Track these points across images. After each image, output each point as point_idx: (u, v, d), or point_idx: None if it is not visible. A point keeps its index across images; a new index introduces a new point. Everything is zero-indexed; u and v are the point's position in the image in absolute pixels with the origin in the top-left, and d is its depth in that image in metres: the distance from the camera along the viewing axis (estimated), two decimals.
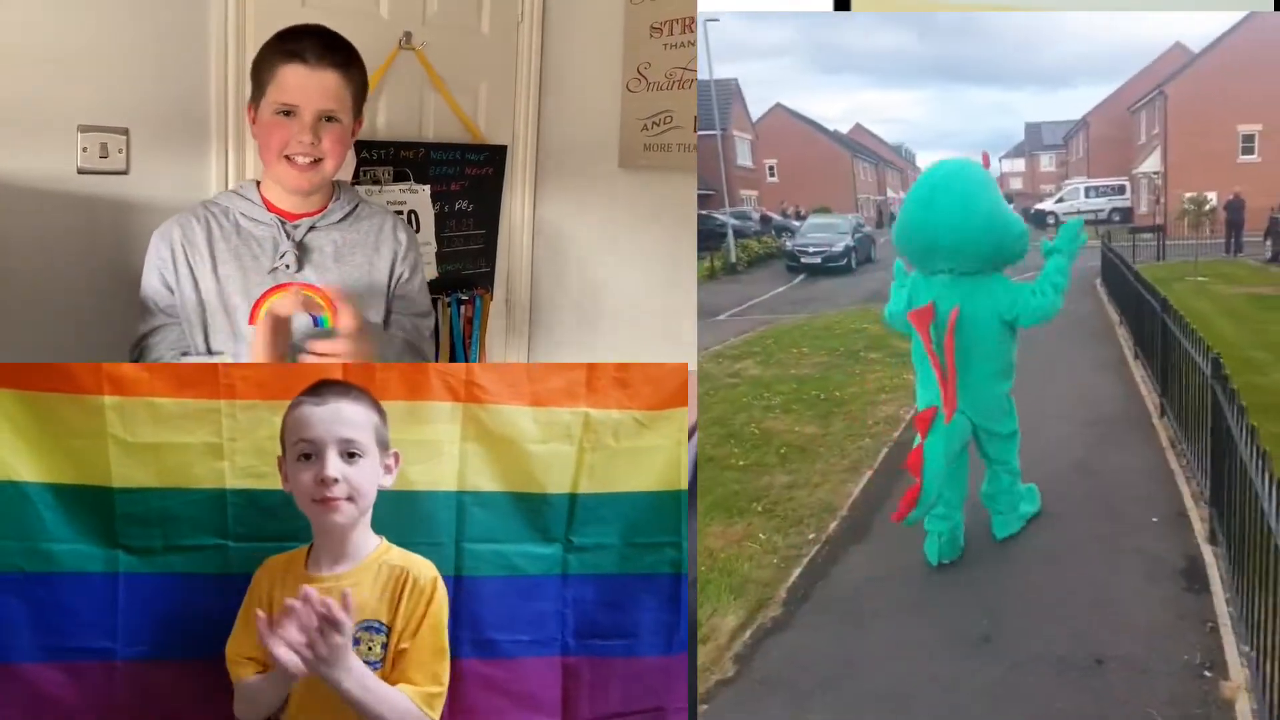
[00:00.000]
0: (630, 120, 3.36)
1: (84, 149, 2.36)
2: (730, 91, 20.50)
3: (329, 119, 1.85)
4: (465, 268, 3.13)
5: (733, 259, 13.16)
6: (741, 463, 3.63)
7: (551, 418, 1.56)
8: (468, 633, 1.53)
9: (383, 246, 2.00)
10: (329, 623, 1.23)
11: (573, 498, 1.57)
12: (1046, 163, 29.65)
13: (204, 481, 1.48)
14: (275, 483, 1.42)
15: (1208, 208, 12.21)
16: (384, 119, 2.93)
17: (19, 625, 1.42)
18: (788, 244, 13.65)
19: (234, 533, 1.48)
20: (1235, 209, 12.35)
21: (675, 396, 1.61)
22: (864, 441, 3.86)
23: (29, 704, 1.42)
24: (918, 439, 2.46)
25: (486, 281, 3.20)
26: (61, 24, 2.30)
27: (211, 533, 1.48)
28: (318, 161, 1.86)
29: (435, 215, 2.97)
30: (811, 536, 2.92)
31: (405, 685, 1.34)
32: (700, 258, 13.06)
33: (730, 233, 13.52)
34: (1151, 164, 17.92)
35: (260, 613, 1.25)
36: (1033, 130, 32.02)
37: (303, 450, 1.35)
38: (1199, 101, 16.64)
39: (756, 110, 23.89)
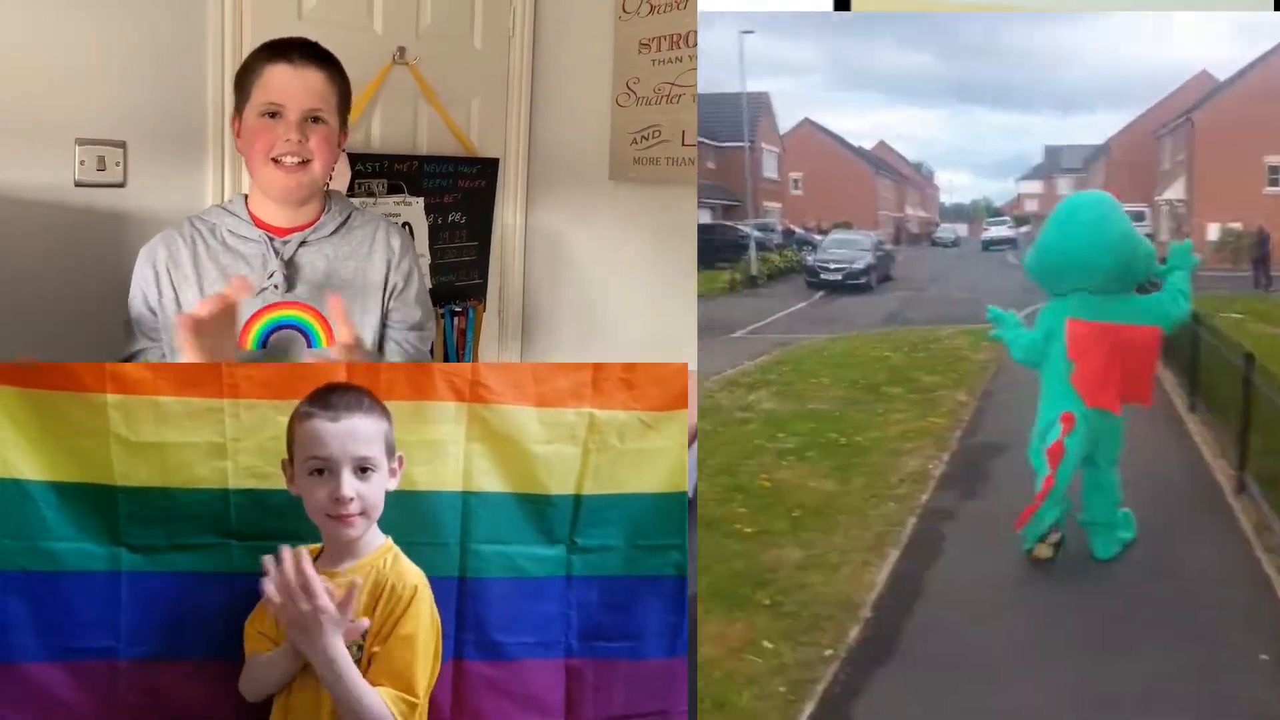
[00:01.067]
0: (620, 134, 3.39)
1: (81, 161, 2.37)
2: (761, 104, 20.76)
3: (315, 119, 1.82)
4: (458, 279, 3.14)
5: (753, 271, 13.07)
6: (748, 529, 3.16)
7: (556, 418, 1.55)
8: (472, 634, 1.52)
9: (375, 256, 1.97)
10: (303, 589, 1.28)
11: (577, 499, 1.57)
12: (1064, 186, 29.94)
13: (207, 481, 1.46)
14: (279, 482, 1.42)
15: (1246, 241, 12.08)
16: (378, 132, 2.95)
17: (21, 625, 1.40)
18: (809, 259, 13.54)
19: (237, 532, 1.47)
20: (1261, 243, 12.22)
21: (680, 398, 1.61)
22: (887, 506, 3.40)
23: (31, 704, 1.39)
24: (1058, 432, 2.67)
25: (480, 293, 3.22)
26: (59, 38, 2.31)
27: (215, 532, 1.47)
28: (306, 163, 1.82)
29: (429, 227, 2.99)
30: (829, 652, 2.37)
31: (380, 689, 1.33)
32: (720, 269, 13.09)
33: (752, 244, 13.46)
34: (1175, 191, 17.80)
35: (267, 557, 1.30)
36: (1052, 153, 32.55)
37: (315, 466, 1.35)
38: (1226, 130, 16.58)
39: (785, 125, 24.40)
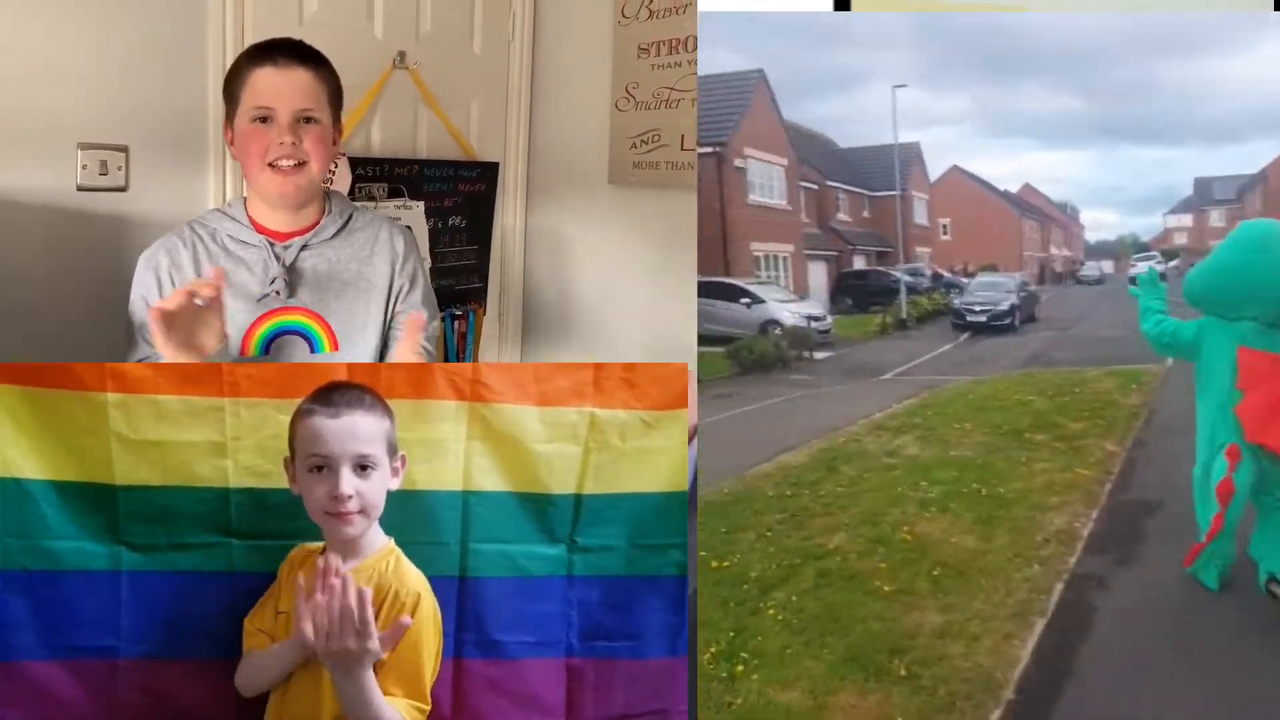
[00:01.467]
0: (619, 138, 3.40)
1: (84, 166, 2.38)
2: (911, 154, 21.36)
3: (307, 119, 1.80)
4: (459, 283, 3.15)
5: (904, 314, 13.48)
6: (888, 587, 2.95)
7: (558, 417, 1.55)
8: (472, 634, 1.52)
9: (378, 259, 1.96)
10: (363, 630, 1.28)
11: (578, 498, 1.56)
12: (1216, 218, 29.16)
13: (207, 479, 1.46)
14: (279, 481, 1.42)
15: None
16: (378, 136, 2.96)
17: (21, 624, 1.40)
18: (955, 301, 13.83)
19: (238, 530, 1.47)
20: None
21: (681, 397, 1.61)
22: (1032, 570, 3.10)
23: (31, 703, 1.39)
24: (1224, 468, 2.59)
25: (480, 296, 3.23)
26: (61, 43, 2.33)
27: (215, 531, 1.46)
28: (302, 165, 1.80)
29: (429, 231, 3.00)
30: None
31: (394, 699, 1.34)
32: (874, 313, 13.70)
33: (903, 288, 13.92)
34: None
35: (301, 578, 1.30)
36: (1202, 185, 31.89)
37: (315, 464, 1.35)
38: None
39: (935, 173, 25.04)
